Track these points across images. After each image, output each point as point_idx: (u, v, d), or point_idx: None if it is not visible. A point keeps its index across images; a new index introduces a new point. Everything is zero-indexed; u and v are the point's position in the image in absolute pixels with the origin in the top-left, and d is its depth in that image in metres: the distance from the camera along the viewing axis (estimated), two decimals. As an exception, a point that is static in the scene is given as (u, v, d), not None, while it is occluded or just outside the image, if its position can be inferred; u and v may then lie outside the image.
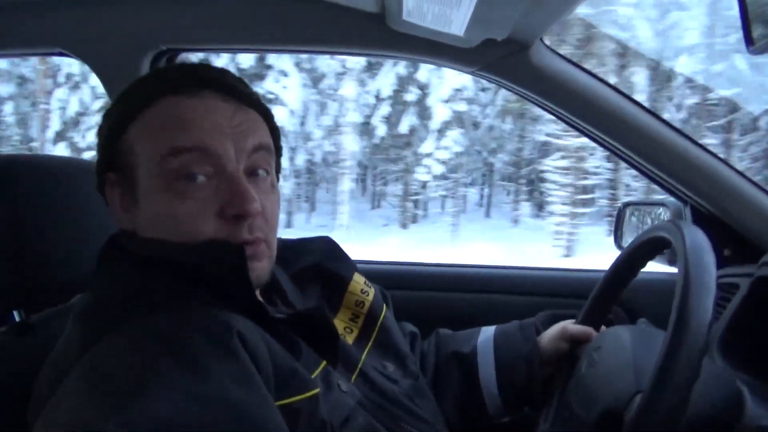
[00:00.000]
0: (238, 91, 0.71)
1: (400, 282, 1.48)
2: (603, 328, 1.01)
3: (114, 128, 0.69)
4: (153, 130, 0.66)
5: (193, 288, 0.66)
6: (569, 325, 1.01)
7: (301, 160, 14.94)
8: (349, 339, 0.88)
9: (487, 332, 1.05)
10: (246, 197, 0.65)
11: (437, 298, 1.50)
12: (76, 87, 14.07)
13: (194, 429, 0.49)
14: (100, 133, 0.72)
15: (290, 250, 0.90)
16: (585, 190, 13.09)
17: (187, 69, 0.71)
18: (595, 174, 13.16)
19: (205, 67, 0.72)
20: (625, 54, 13.35)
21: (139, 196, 0.68)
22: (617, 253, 0.98)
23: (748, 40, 0.58)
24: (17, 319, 0.80)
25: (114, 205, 0.70)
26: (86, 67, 1.36)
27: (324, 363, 0.72)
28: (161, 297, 0.63)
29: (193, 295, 0.65)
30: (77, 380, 0.55)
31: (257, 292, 0.70)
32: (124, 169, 0.69)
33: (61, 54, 1.32)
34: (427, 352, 1.07)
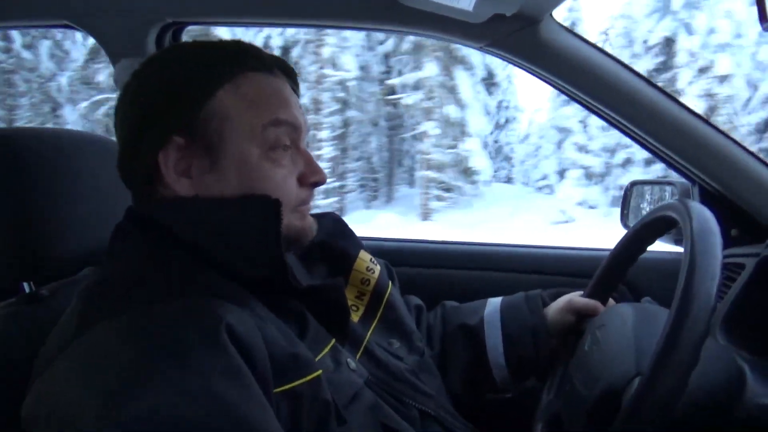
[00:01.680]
0: (296, 78, 0.79)
1: (405, 258, 1.49)
2: (611, 301, 1.02)
3: (196, 94, 0.69)
4: (253, 101, 0.71)
5: (204, 266, 0.66)
6: (576, 297, 1.01)
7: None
8: (355, 317, 0.88)
9: (494, 304, 1.06)
10: (322, 169, 0.76)
11: (442, 275, 1.51)
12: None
13: (178, 424, 0.49)
14: (160, 97, 0.70)
15: None
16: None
17: (259, 49, 0.76)
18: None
19: (263, 49, 0.77)
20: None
21: (222, 161, 0.69)
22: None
23: (763, 17, 0.57)
24: (27, 290, 0.81)
25: (168, 169, 0.69)
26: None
27: (333, 341, 0.73)
28: (163, 281, 0.63)
29: (200, 275, 0.65)
30: (68, 365, 0.55)
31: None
32: (205, 133, 0.69)
33: (66, 26, 1.31)
34: (433, 324, 1.08)
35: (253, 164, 0.69)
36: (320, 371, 0.65)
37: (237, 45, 0.74)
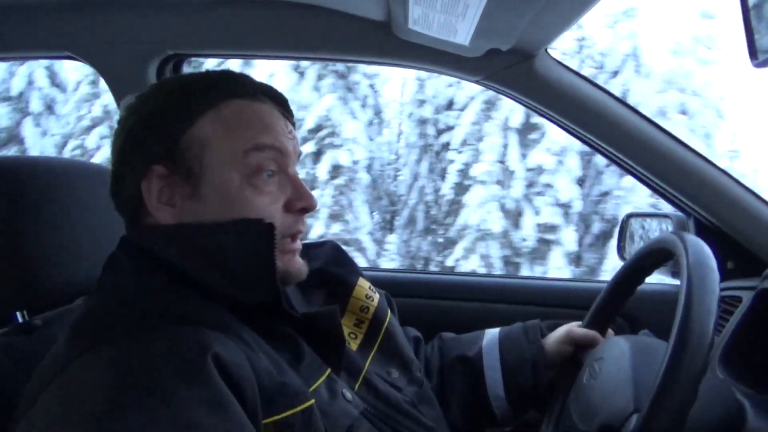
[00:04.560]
0: (287, 103, 0.79)
1: (403, 289, 1.48)
2: (610, 331, 1.01)
3: (176, 122, 0.69)
4: (234, 127, 0.70)
5: (194, 294, 0.66)
6: (574, 328, 1.01)
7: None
8: (353, 345, 0.87)
9: (491, 335, 1.05)
10: (310, 194, 0.74)
11: (440, 307, 1.50)
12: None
13: None
14: (141, 127, 0.71)
15: None
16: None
17: (244, 76, 0.76)
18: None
19: (250, 77, 0.77)
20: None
21: (204, 189, 0.69)
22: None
23: (752, 53, 0.57)
24: (20, 320, 0.81)
25: (151, 198, 0.69)
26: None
27: (328, 370, 0.72)
28: (149, 311, 0.62)
29: (189, 303, 0.64)
30: (51, 400, 0.55)
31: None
32: (185, 161, 0.69)
33: (69, 57, 1.33)
34: (431, 356, 1.07)
35: (233, 191, 0.69)
36: (312, 401, 0.63)
37: (221, 74, 0.75)
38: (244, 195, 0.69)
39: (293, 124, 0.79)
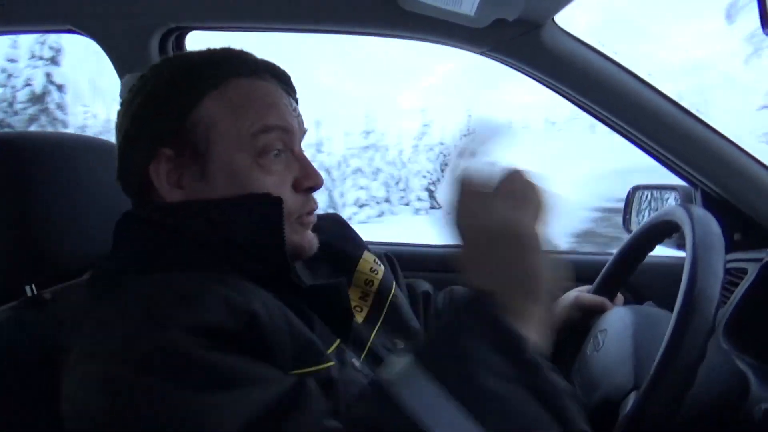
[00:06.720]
0: (290, 80, 0.78)
1: (409, 263, 1.48)
2: (620, 296, 1.02)
3: (180, 105, 0.69)
4: (239, 108, 0.69)
5: (212, 260, 0.67)
6: (583, 294, 1.01)
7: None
8: (359, 318, 0.88)
9: None
10: (317, 172, 0.74)
11: (446, 279, 1.50)
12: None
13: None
14: (146, 109, 0.71)
15: None
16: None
17: (247, 54, 0.75)
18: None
19: (252, 54, 0.76)
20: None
21: (212, 170, 0.69)
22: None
23: (765, 23, 0.57)
24: (29, 294, 0.81)
25: (161, 181, 0.69)
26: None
27: (338, 341, 0.73)
28: (175, 261, 0.64)
29: (210, 261, 0.66)
30: (83, 342, 0.56)
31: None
32: (192, 142, 0.69)
33: (71, 31, 1.32)
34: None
35: (242, 172, 0.69)
36: (333, 363, 0.64)
37: (223, 52, 0.74)
38: (253, 175, 0.69)
39: (296, 100, 0.78)
